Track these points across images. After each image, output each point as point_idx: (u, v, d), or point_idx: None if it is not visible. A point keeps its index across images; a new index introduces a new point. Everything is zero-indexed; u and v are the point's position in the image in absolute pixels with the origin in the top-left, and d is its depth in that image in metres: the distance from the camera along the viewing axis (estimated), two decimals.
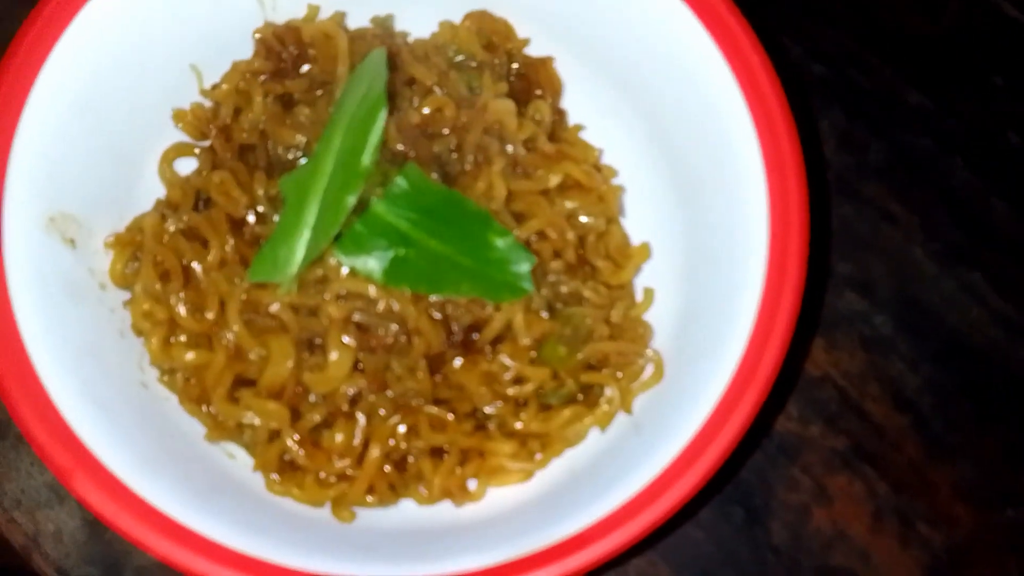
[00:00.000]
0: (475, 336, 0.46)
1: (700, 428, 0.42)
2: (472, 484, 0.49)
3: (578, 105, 0.55)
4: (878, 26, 0.65)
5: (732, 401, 0.42)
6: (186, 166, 0.52)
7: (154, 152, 0.51)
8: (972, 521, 0.56)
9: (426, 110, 0.49)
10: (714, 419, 0.42)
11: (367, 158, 0.44)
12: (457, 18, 0.55)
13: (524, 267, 0.46)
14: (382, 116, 0.45)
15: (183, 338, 0.47)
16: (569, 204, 0.49)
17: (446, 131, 0.49)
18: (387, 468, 0.46)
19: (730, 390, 0.42)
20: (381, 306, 0.45)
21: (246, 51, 0.52)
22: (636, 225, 0.53)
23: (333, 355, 0.45)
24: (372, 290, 0.45)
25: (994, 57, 0.65)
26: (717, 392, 0.43)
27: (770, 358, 0.42)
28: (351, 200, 0.44)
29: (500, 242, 0.45)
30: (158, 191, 0.51)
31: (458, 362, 0.46)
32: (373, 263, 0.45)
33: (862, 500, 0.56)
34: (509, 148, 0.49)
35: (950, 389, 0.59)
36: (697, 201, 0.51)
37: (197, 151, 0.51)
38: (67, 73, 0.47)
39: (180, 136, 0.52)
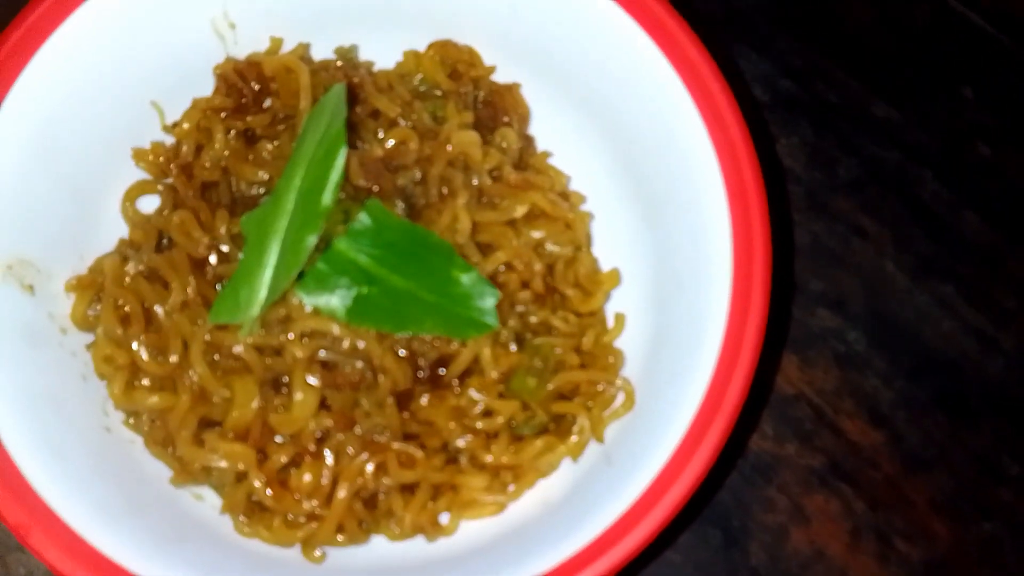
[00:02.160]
0: (442, 371, 0.46)
1: (669, 458, 0.42)
2: (444, 518, 0.48)
3: (546, 131, 0.55)
4: (845, 40, 0.65)
5: (701, 429, 0.42)
6: (150, 204, 0.51)
7: (115, 191, 0.51)
8: (950, 535, 0.56)
9: (390, 143, 0.48)
10: (683, 448, 0.42)
11: (327, 197, 0.44)
12: (422, 47, 0.54)
13: (489, 302, 0.45)
14: (342, 154, 0.45)
15: (146, 381, 0.46)
16: (536, 233, 0.49)
17: (410, 164, 0.48)
18: (357, 506, 0.46)
19: (698, 418, 0.42)
20: (346, 344, 0.45)
21: (207, 85, 0.51)
22: (605, 251, 0.53)
23: (298, 395, 0.44)
24: (336, 328, 0.45)
25: (962, 68, 0.65)
26: (686, 420, 0.42)
27: (738, 383, 0.42)
28: (312, 239, 0.44)
29: (464, 278, 0.45)
30: (120, 230, 0.51)
31: (425, 398, 0.46)
32: (336, 301, 0.44)
33: (839, 518, 0.56)
34: (475, 179, 0.49)
35: (925, 403, 0.59)
36: (664, 225, 0.51)
37: (160, 188, 0.50)
38: (23, 115, 0.46)
39: (140, 174, 0.52)
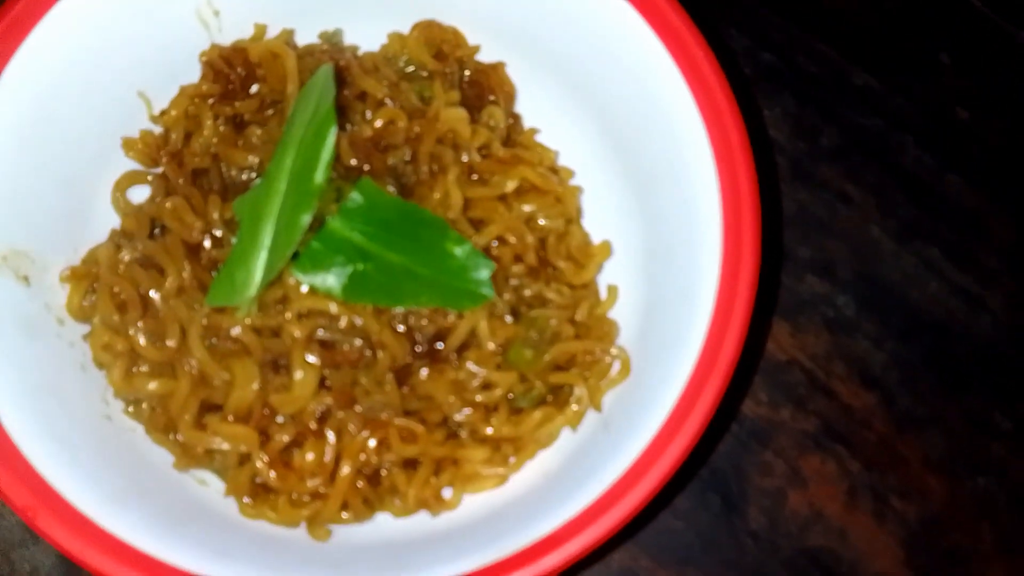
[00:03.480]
0: (440, 345, 0.46)
1: (665, 420, 0.42)
2: (447, 492, 0.49)
3: (532, 108, 0.55)
4: (823, 13, 0.66)
5: (695, 391, 0.42)
6: (140, 194, 0.51)
7: (105, 182, 0.51)
8: (944, 492, 0.57)
9: (378, 123, 0.49)
10: (678, 410, 0.42)
11: (320, 176, 0.44)
12: (406, 29, 0.55)
13: (484, 273, 0.46)
14: (332, 133, 0.45)
15: (145, 368, 0.46)
16: (527, 208, 0.49)
17: (400, 143, 0.49)
18: (360, 483, 0.46)
19: (692, 380, 0.43)
20: (343, 322, 0.45)
21: (193, 73, 0.52)
22: (595, 224, 0.54)
23: (298, 374, 0.45)
24: (333, 307, 0.45)
25: (939, 35, 0.66)
26: (680, 383, 0.43)
27: (730, 345, 0.42)
28: (306, 219, 0.44)
29: (458, 250, 0.45)
30: (112, 221, 0.51)
31: (424, 372, 0.46)
32: (332, 280, 0.45)
33: (836, 479, 0.57)
34: (464, 156, 0.50)
35: (915, 364, 0.59)
36: (653, 196, 0.52)
37: (150, 178, 0.51)
38: (11, 108, 0.46)
39: (131, 164, 0.52)
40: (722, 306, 0.43)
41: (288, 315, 0.45)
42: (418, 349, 0.46)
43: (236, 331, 0.45)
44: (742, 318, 0.42)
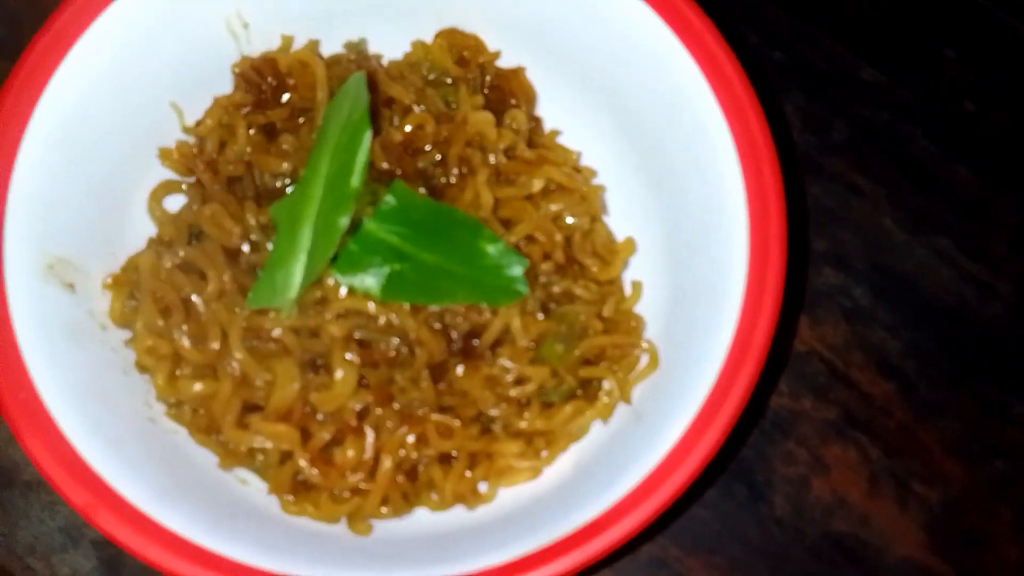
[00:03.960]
0: (475, 342, 0.47)
1: (699, 410, 0.43)
2: (482, 486, 0.50)
3: (552, 111, 0.57)
4: (828, 8, 0.67)
5: (728, 381, 0.43)
6: (173, 203, 0.53)
7: (141, 191, 0.52)
8: (964, 476, 0.59)
9: (407, 128, 0.50)
10: (712, 400, 0.43)
11: (355, 180, 0.45)
12: (428, 37, 0.56)
13: (517, 270, 0.47)
14: (367, 138, 0.46)
15: (187, 371, 0.47)
16: (554, 207, 0.51)
17: (428, 147, 0.50)
18: (400, 478, 0.47)
19: (725, 370, 0.44)
20: (381, 321, 0.46)
21: (224, 84, 0.53)
22: (618, 221, 0.55)
23: (338, 373, 0.46)
24: (371, 306, 0.46)
25: (943, 30, 0.67)
26: (712, 374, 0.44)
27: (760, 335, 0.44)
28: (344, 221, 0.45)
29: (492, 248, 0.47)
30: (148, 229, 0.52)
31: (460, 369, 0.47)
32: (370, 280, 0.46)
33: (857, 466, 0.59)
34: (491, 158, 0.51)
35: (930, 351, 0.61)
36: (674, 193, 0.53)
37: (185, 187, 0.52)
38: (55, 120, 0.47)
39: (165, 173, 0.53)
40: (751, 300, 0.45)
41: (327, 315, 0.46)
42: (454, 346, 0.47)
43: (276, 332, 0.46)
44: (771, 311, 0.44)
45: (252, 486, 0.49)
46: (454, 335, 0.47)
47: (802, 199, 0.64)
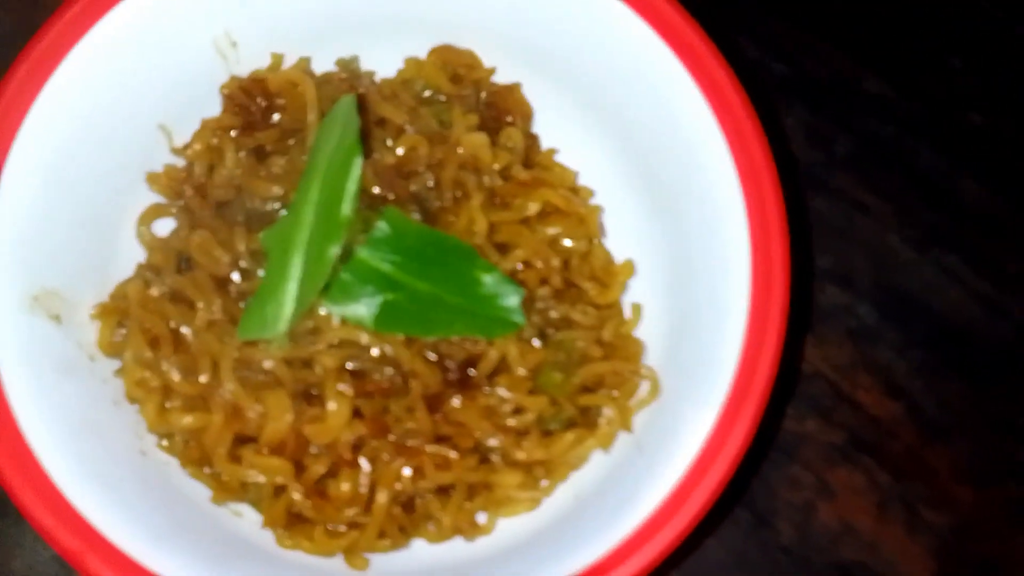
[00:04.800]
0: (471, 372, 0.46)
1: (703, 444, 0.42)
2: (481, 517, 0.49)
3: (549, 128, 0.56)
4: (831, 18, 0.66)
5: (732, 412, 0.42)
6: (163, 226, 0.52)
7: (128, 215, 0.51)
8: (974, 500, 0.57)
9: (400, 150, 0.49)
10: (717, 432, 0.42)
11: (346, 207, 0.44)
12: (422, 53, 0.55)
13: (513, 300, 0.46)
14: (358, 164, 0.45)
15: (178, 403, 0.46)
16: (551, 230, 0.49)
17: (422, 169, 0.49)
18: (396, 510, 0.46)
19: (729, 402, 0.43)
20: (375, 352, 0.45)
21: (212, 104, 0.52)
22: (616, 242, 0.54)
23: (331, 405, 0.45)
24: (364, 337, 0.45)
25: (949, 39, 0.66)
26: (716, 404, 0.43)
27: (766, 362, 0.42)
28: (335, 250, 0.44)
29: (487, 277, 0.46)
30: (136, 255, 0.51)
31: (457, 401, 0.46)
32: (363, 310, 0.45)
33: (865, 491, 0.57)
34: (486, 179, 0.50)
35: (939, 371, 0.59)
36: (673, 213, 0.52)
37: (174, 211, 0.51)
38: (37, 146, 0.46)
39: (153, 197, 0.52)
40: (755, 324, 0.43)
41: (320, 346, 0.45)
42: (449, 376, 0.46)
43: (268, 364, 0.45)
44: (776, 336, 0.42)
45: (246, 518, 0.48)
46: (450, 365, 0.46)
47: (805, 215, 0.62)
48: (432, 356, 0.46)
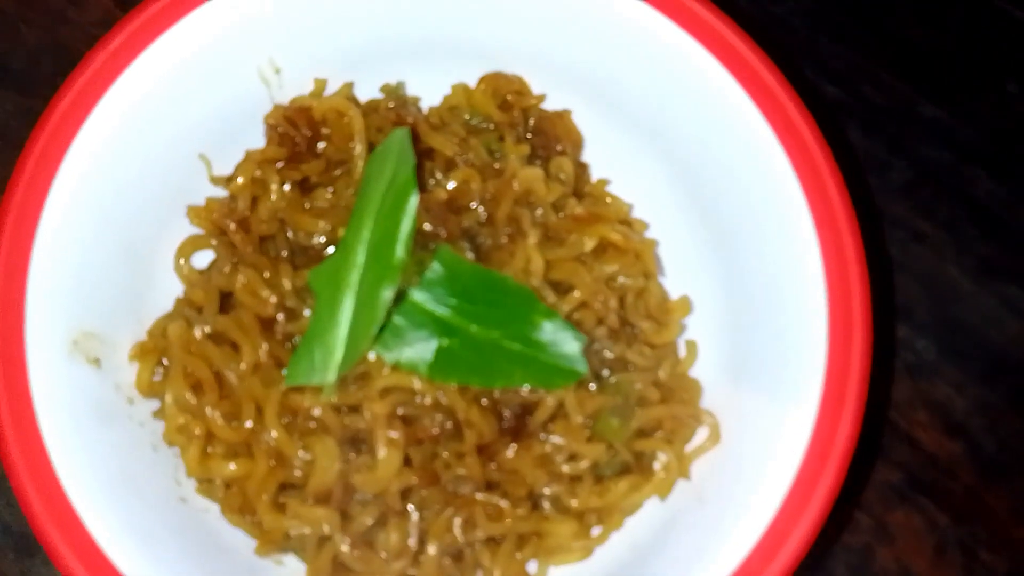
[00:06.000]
0: (527, 419, 0.44)
1: (782, 503, 0.40)
2: (531, 566, 0.47)
3: (600, 158, 0.53)
4: (885, 40, 0.64)
5: (814, 471, 0.40)
6: (201, 258, 0.50)
7: (164, 247, 0.49)
8: None
9: (451, 184, 0.47)
10: (795, 493, 0.40)
11: (400, 250, 0.42)
12: (465, 77, 0.53)
13: (575, 347, 0.44)
14: (413, 202, 0.43)
15: (220, 448, 0.44)
16: (608, 268, 0.47)
17: (474, 204, 0.47)
18: (446, 561, 0.44)
19: (808, 459, 0.40)
20: (427, 399, 0.43)
21: (254, 131, 0.50)
22: (671, 278, 0.52)
23: (382, 452, 0.43)
24: (417, 383, 0.43)
25: (1005, 62, 0.64)
26: (794, 463, 0.41)
27: (848, 419, 0.40)
28: (388, 294, 0.42)
29: (547, 323, 0.43)
30: (171, 287, 0.49)
31: (512, 450, 0.44)
32: (417, 356, 0.43)
33: (923, 534, 0.55)
34: (539, 211, 0.48)
35: (999, 408, 0.57)
36: (732, 246, 0.50)
37: (213, 243, 0.49)
38: (78, 181, 0.45)
39: (189, 227, 0.50)
40: (835, 371, 0.41)
41: (370, 392, 0.43)
42: (504, 424, 0.44)
43: (316, 411, 0.43)
44: (859, 385, 0.40)
45: (288, 567, 0.46)
46: (505, 413, 0.44)
47: (889, 255, 0.60)
48: (484, 402, 0.44)
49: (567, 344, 0.43)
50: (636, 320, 0.48)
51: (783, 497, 0.40)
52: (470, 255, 0.46)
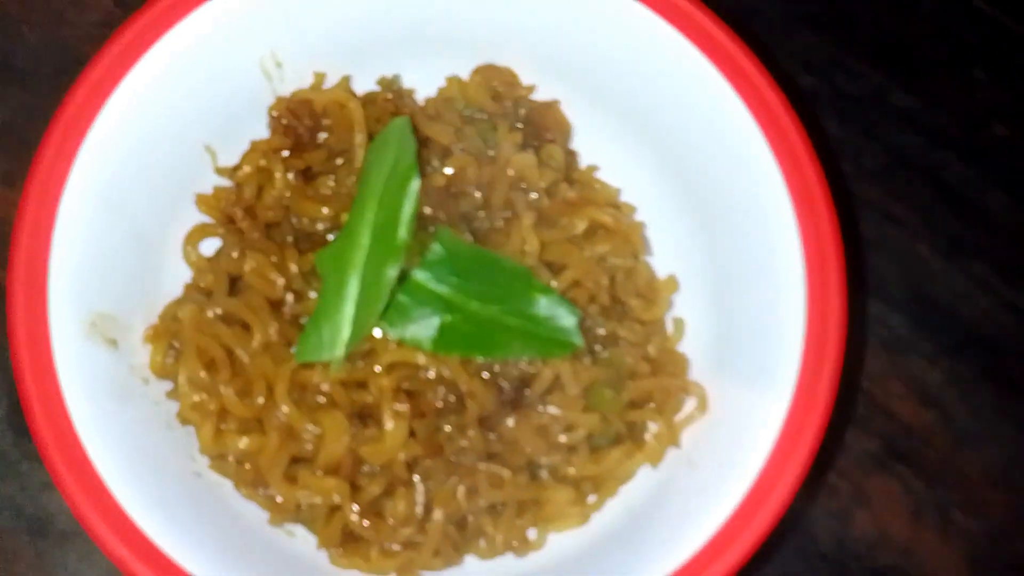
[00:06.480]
0: (525, 391, 0.47)
1: (765, 464, 0.43)
2: (531, 532, 0.49)
3: (588, 145, 0.56)
4: (858, 31, 0.67)
5: (794, 431, 0.43)
6: (208, 245, 0.52)
7: (172, 235, 0.51)
8: (1006, 505, 0.58)
9: (449, 171, 0.49)
10: (778, 453, 0.43)
11: (403, 231, 0.45)
12: (458, 70, 0.55)
13: (570, 321, 0.46)
14: (414, 186, 0.45)
15: (232, 424, 0.46)
16: (599, 248, 0.50)
17: (470, 189, 0.49)
18: (451, 529, 0.47)
19: (790, 420, 0.43)
20: (431, 373, 0.45)
21: (257, 122, 0.52)
22: (658, 258, 0.54)
23: (389, 425, 0.45)
24: (421, 358, 0.45)
25: (972, 52, 0.67)
26: (776, 423, 0.43)
27: (826, 382, 0.43)
28: (392, 273, 0.44)
29: (543, 299, 0.46)
30: (180, 274, 0.51)
31: (511, 421, 0.46)
32: (421, 332, 0.45)
33: (900, 498, 0.58)
34: (533, 195, 0.50)
35: (969, 380, 0.60)
36: (715, 227, 0.52)
37: (220, 231, 0.51)
38: (93, 172, 0.46)
39: (196, 216, 0.52)
40: (813, 342, 0.44)
41: (376, 367, 0.45)
42: (504, 396, 0.46)
43: (324, 386, 0.45)
44: (836, 353, 0.43)
45: (299, 538, 0.48)
46: (504, 385, 0.46)
47: (859, 231, 0.63)
48: (485, 375, 0.46)
49: (563, 318, 0.46)
50: (626, 298, 0.51)
51: (765, 459, 0.43)
52: (468, 237, 0.48)
